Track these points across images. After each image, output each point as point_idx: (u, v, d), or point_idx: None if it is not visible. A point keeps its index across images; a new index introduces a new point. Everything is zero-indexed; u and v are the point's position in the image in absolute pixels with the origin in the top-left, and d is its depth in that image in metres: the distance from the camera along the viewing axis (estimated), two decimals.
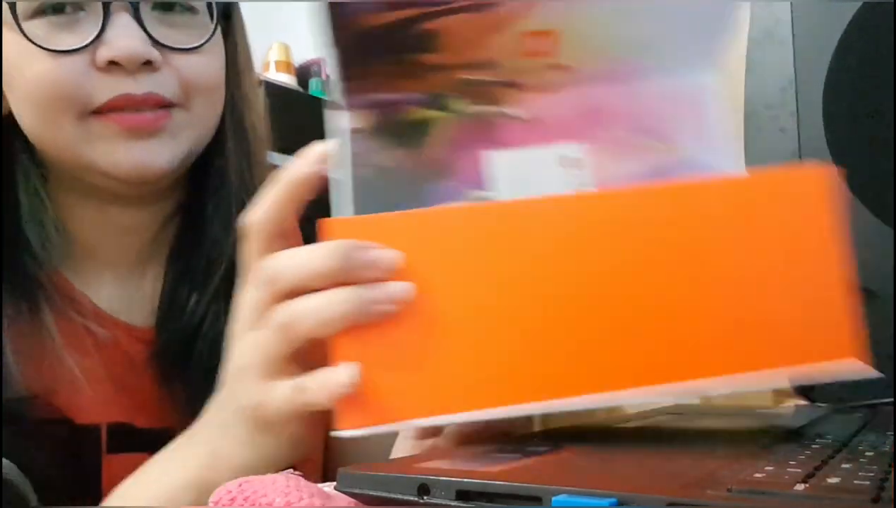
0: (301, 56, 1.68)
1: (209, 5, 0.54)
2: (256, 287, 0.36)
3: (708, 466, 0.27)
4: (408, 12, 0.35)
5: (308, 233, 0.36)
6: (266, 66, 1.67)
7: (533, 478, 0.26)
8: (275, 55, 1.63)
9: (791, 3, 0.53)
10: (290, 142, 0.51)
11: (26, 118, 0.53)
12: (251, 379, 0.36)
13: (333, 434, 0.34)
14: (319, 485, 0.34)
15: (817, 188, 0.34)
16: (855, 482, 0.24)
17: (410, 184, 0.38)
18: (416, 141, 0.39)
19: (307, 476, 0.33)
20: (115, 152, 0.51)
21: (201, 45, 0.53)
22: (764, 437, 0.37)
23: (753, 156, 0.55)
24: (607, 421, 0.47)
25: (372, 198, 0.37)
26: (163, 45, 0.51)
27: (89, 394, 0.54)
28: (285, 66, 1.64)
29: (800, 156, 0.52)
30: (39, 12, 0.50)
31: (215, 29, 0.54)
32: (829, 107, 0.52)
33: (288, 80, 1.62)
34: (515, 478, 0.26)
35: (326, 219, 0.34)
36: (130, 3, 0.50)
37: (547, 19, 0.37)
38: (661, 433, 0.44)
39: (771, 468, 0.27)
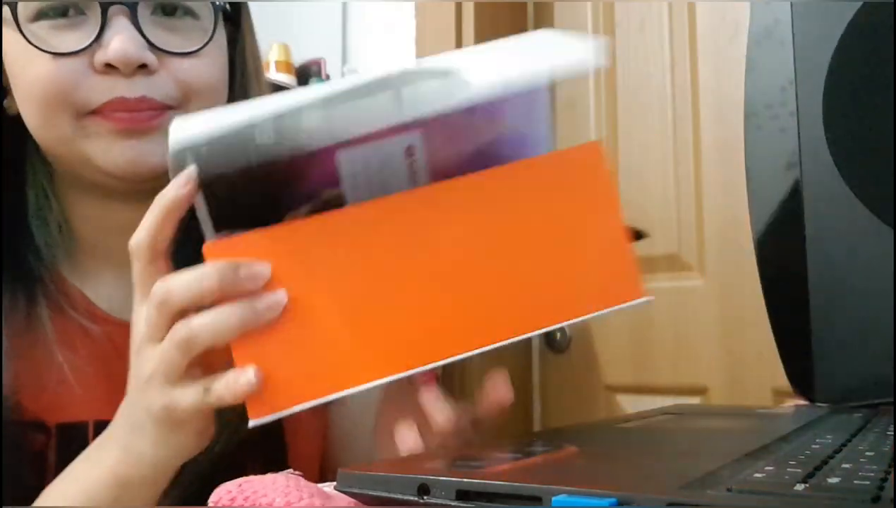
0: (301, 56, 1.68)
1: (214, 11, 0.55)
2: (151, 306, 0.40)
3: (708, 466, 0.27)
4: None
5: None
6: (266, 66, 1.68)
7: (533, 478, 0.26)
8: (275, 55, 1.62)
9: (791, 3, 0.53)
10: None
11: (28, 116, 0.54)
12: (158, 387, 0.41)
13: (250, 424, 0.39)
14: (319, 485, 0.35)
15: (593, 160, 0.42)
16: (855, 482, 0.24)
17: (268, 193, 0.42)
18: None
19: (307, 476, 0.33)
20: (110, 150, 0.52)
21: (198, 49, 0.54)
22: (764, 437, 0.37)
23: (754, 155, 0.55)
24: (607, 421, 0.47)
25: (231, 210, 0.41)
26: (160, 49, 0.52)
27: (79, 392, 0.55)
28: (285, 66, 1.63)
29: (800, 156, 0.52)
30: (43, 15, 0.52)
31: (213, 33, 0.55)
32: (829, 107, 0.52)
33: (288, 80, 1.61)
34: (515, 478, 0.26)
35: (206, 244, 0.40)
36: (128, 7, 0.51)
37: None
38: (661, 433, 0.44)
39: (771, 468, 0.27)
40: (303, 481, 0.35)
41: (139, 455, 0.43)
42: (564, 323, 0.41)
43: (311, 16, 1.73)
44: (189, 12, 0.54)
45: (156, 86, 0.52)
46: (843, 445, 0.33)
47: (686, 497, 0.22)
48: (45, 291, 0.56)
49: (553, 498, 0.23)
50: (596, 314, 0.42)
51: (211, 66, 0.56)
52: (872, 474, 0.25)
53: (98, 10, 0.51)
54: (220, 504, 0.31)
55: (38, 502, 0.47)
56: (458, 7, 1.46)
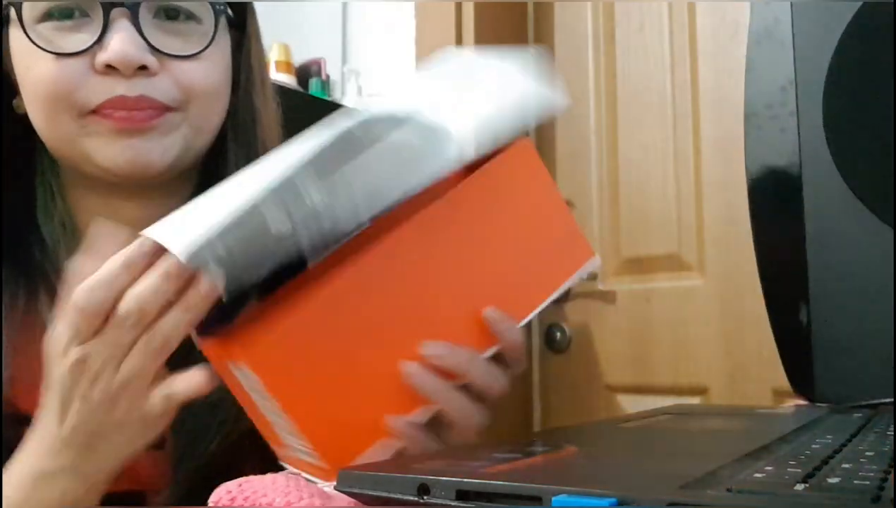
0: (301, 56, 1.68)
1: (214, 15, 0.55)
2: (74, 311, 0.41)
3: (708, 466, 0.27)
4: None
5: None
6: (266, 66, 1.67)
7: (533, 478, 0.26)
8: (275, 55, 1.62)
9: (791, 3, 0.53)
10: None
11: (33, 114, 0.55)
12: (135, 395, 0.43)
13: (333, 488, 0.38)
14: (319, 485, 0.35)
15: (526, 155, 0.46)
16: (855, 482, 0.24)
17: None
18: None
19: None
20: (110, 148, 0.54)
21: (198, 52, 0.55)
22: (764, 437, 0.37)
23: (754, 155, 0.55)
24: (607, 421, 0.47)
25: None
26: (160, 52, 0.54)
27: None
28: (285, 66, 1.64)
29: (800, 156, 0.53)
30: (48, 16, 0.53)
31: (213, 37, 0.55)
32: (829, 107, 0.52)
33: (288, 80, 1.62)
34: (515, 478, 0.26)
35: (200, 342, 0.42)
36: (130, 10, 0.52)
37: None
38: (662, 433, 0.44)
39: (771, 468, 0.27)
40: (303, 481, 0.35)
41: (97, 471, 0.44)
42: (542, 306, 0.46)
43: (311, 16, 1.73)
44: (191, 16, 0.55)
45: (156, 87, 0.53)
46: (843, 445, 0.33)
47: (686, 497, 0.22)
48: (47, 286, 0.56)
49: (553, 498, 0.23)
50: (564, 287, 0.47)
51: (211, 69, 0.56)
52: (872, 474, 0.25)
53: (101, 14, 0.52)
54: (220, 504, 0.31)
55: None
56: (458, 7, 1.46)
